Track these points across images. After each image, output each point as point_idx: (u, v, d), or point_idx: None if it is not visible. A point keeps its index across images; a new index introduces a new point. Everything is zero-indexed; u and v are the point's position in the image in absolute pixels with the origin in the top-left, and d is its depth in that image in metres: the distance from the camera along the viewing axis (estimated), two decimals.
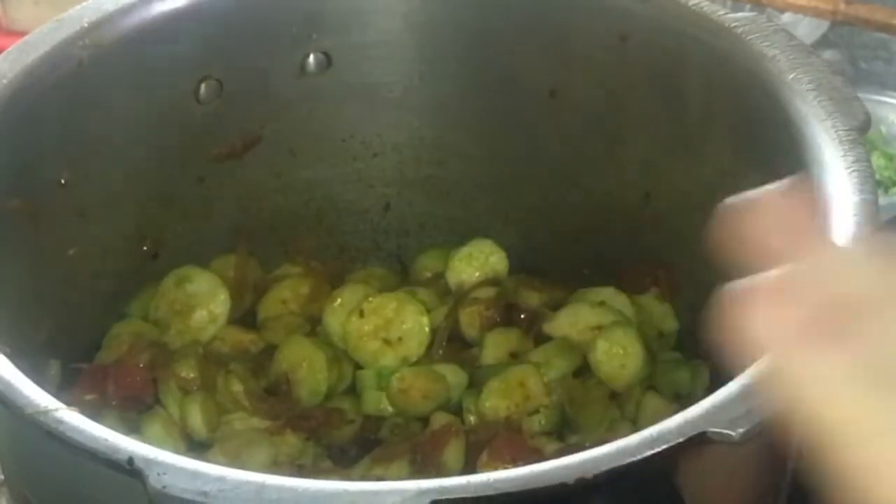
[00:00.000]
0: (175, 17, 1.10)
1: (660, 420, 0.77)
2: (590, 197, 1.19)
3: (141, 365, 1.09)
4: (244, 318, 1.18)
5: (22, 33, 1.08)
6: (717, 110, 1.08)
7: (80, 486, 0.83)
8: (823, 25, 1.75)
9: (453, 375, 1.13)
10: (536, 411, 1.09)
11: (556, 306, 1.17)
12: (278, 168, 1.20)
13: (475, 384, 1.12)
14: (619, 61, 1.11)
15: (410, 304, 1.15)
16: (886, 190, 1.62)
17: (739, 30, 1.04)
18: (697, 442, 0.75)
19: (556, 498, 0.73)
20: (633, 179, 1.16)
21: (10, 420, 0.86)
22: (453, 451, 1.06)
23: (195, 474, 0.74)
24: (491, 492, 0.73)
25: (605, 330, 1.12)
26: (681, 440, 0.75)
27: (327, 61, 1.16)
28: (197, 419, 1.08)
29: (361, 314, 1.15)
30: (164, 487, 0.74)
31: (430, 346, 1.15)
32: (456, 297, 1.18)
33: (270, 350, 1.15)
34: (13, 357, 0.84)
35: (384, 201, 1.24)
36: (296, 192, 1.22)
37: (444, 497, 0.72)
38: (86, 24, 1.06)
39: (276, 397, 1.11)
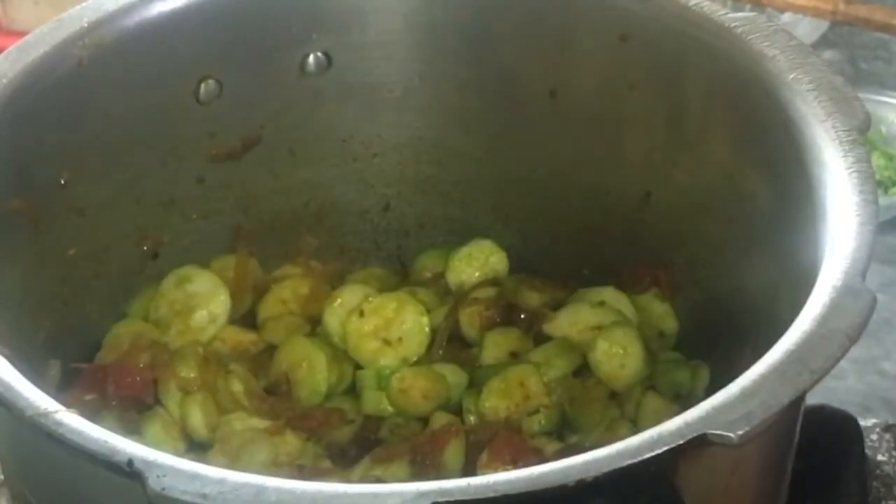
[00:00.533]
0: (175, 17, 1.10)
1: (660, 420, 0.77)
2: (590, 197, 1.19)
3: (141, 365, 1.09)
4: (244, 318, 1.18)
5: (22, 33, 1.08)
6: (717, 110, 1.08)
7: (79, 487, 0.83)
8: (823, 25, 1.75)
9: (453, 375, 1.13)
10: (536, 411, 1.09)
11: (556, 306, 1.17)
12: (278, 168, 1.20)
13: (475, 384, 1.12)
14: (619, 61, 1.11)
15: (410, 304, 1.15)
16: (886, 190, 1.63)
17: (739, 30, 1.04)
18: (697, 444, 0.75)
19: (557, 500, 0.73)
20: (633, 179, 1.16)
21: (10, 422, 0.86)
22: (453, 452, 1.05)
23: (195, 476, 0.74)
24: (491, 493, 0.73)
25: (605, 330, 1.12)
26: (681, 442, 0.75)
27: (327, 61, 1.16)
28: (197, 419, 1.08)
29: (361, 314, 1.15)
30: (164, 489, 0.74)
31: (430, 346, 1.15)
32: (456, 297, 1.18)
33: (270, 350, 1.15)
34: (13, 359, 0.84)
35: (384, 201, 1.24)
36: (296, 192, 1.22)
37: (443, 499, 0.72)
38: (86, 24, 1.06)
39: (276, 397, 1.11)
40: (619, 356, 1.11)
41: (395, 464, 1.05)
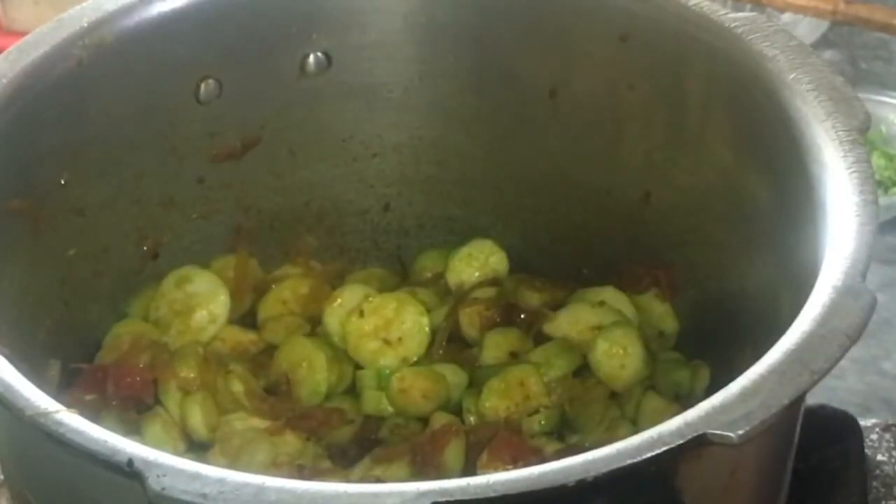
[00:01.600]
0: (175, 17, 1.10)
1: (660, 420, 0.77)
2: (590, 197, 1.19)
3: (141, 365, 1.09)
4: (244, 318, 1.18)
5: (22, 33, 1.08)
6: (717, 110, 1.08)
7: (79, 487, 0.83)
8: (823, 25, 1.75)
9: (453, 375, 1.13)
10: (536, 411, 1.09)
11: (556, 306, 1.17)
12: (278, 168, 1.20)
13: (475, 384, 1.12)
14: (619, 61, 1.11)
15: (410, 304, 1.15)
16: (886, 190, 1.63)
17: (739, 30, 1.04)
18: (697, 444, 0.75)
19: (557, 500, 0.73)
20: (633, 179, 1.16)
21: (10, 422, 0.86)
22: (453, 452, 1.05)
23: (195, 476, 0.74)
24: (491, 493, 0.73)
25: (605, 330, 1.12)
26: (681, 442, 0.75)
27: (327, 61, 1.16)
28: (197, 419, 1.08)
29: (361, 314, 1.15)
30: (164, 489, 0.74)
31: (430, 346, 1.15)
32: (456, 298, 1.18)
33: (270, 350, 1.15)
34: (13, 359, 0.84)
35: (384, 201, 1.24)
36: (296, 192, 1.22)
37: (443, 499, 0.72)
38: (86, 24, 1.06)
39: (276, 397, 1.11)
40: (619, 356, 1.11)
41: (395, 464, 1.05)
